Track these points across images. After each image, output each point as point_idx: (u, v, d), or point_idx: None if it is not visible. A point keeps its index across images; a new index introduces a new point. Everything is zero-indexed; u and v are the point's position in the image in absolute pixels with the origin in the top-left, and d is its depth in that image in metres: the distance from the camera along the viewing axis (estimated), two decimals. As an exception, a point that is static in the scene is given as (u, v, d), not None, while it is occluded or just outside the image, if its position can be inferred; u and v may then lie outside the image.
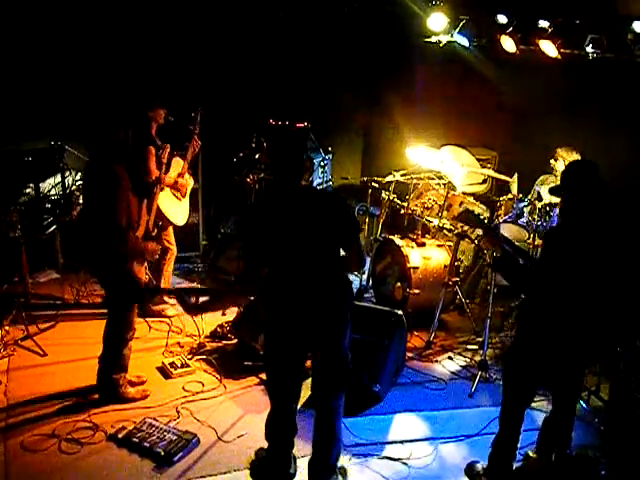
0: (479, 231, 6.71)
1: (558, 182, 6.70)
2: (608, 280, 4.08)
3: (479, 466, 4.67)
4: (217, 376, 5.88)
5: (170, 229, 6.91)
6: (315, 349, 4.34)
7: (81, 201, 7.64)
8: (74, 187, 8.16)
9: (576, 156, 6.68)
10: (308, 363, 4.46)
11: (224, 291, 4.62)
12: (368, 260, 7.75)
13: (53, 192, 8.10)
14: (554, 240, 4.23)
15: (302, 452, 4.71)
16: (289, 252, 4.12)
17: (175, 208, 6.84)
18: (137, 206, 5.10)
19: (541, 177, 7.18)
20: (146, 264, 5.51)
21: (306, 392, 4.68)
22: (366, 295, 7.73)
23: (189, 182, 6.99)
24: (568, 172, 4.34)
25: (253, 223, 4.26)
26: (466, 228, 6.79)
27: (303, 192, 4.23)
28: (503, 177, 7.11)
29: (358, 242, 4.28)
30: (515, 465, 4.55)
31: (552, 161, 6.91)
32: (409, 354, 6.50)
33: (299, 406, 4.95)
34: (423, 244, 7.24)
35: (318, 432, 4.43)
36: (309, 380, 4.50)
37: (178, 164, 6.79)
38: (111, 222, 4.90)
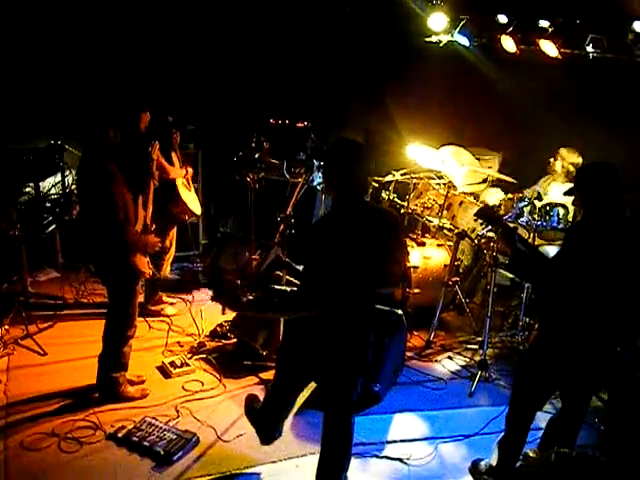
0: (479, 230, 6.71)
1: (556, 181, 6.78)
2: (628, 279, 4.07)
3: (483, 464, 4.67)
4: (217, 375, 5.88)
5: (173, 230, 6.94)
6: (323, 375, 4.25)
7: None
8: (74, 186, 8.16)
9: (577, 158, 6.68)
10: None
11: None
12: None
13: (53, 191, 8.09)
14: (576, 237, 4.19)
15: (302, 452, 4.72)
16: (325, 267, 3.99)
17: (191, 199, 6.95)
18: (132, 202, 5.09)
19: (542, 178, 7.18)
20: (148, 259, 5.50)
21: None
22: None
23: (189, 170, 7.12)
24: (588, 172, 4.31)
25: (318, 240, 4.10)
26: (472, 226, 6.79)
27: (367, 207, 4.07)
28: (504, 177, 7.11)
29: (399, 260, 4.10)
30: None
31: (551, 160, 6.91)
32: (409, 353, 6.51)
33: (298, 407, 4.99)
34: (423, 244, 7.24)
35: (327, 448, 4.28)
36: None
37: (175, 157, 6.86)
38: (109, 217, 4.90)
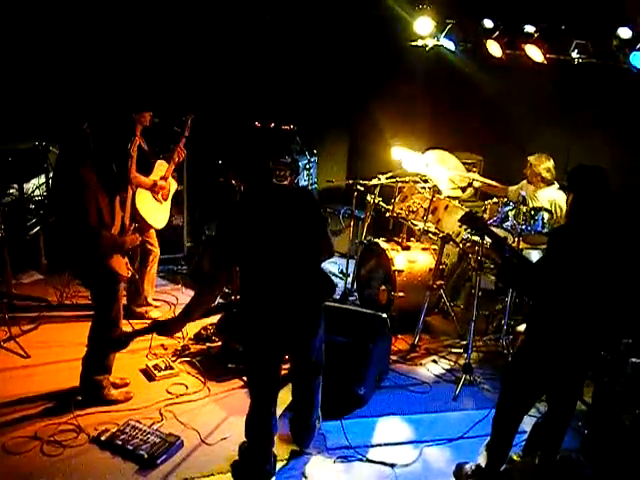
0: (464, 234, 6.71)
1: (540, 188, 6.78)
2: (614, 283, 4.08)
3: (467, 467, 4.67)
4: (201, 378, 5.85)
5: (152, 231, 6.88)
6: (290, 347, 4.43)
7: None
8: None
9: (547, 162, 6.69)
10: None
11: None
12: (352, 263, 7.77)
13: (37, 193, 8.05)
14: (560, 241, 4.19)
15: (286, 454, 4.72)
16: (265, 252, 4.14)
17: (154, 211, 6.79)
18: (108, 204, 5.06)
19: (522, 182, 7.17)
20: (127, 260, 5.46)
21: (288, 396, 4.79)
22: (351, 298, 7.72)
23: (172, 185, 7.00)
24: (577, 173, 4.32)
25: (231, 224, 4.25)
26: (457, 230, 6.79)
27: (275, 191, 4.39)
28: (488, 181, 7.13)
29: (326, 231, 4.44)
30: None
31: (525, 170, 6.92)
32: (393, 357, 6.49)
33: (283, 409, 4.99)
34: (408, 247, 7.24)
35: (295, 401, 4.72)
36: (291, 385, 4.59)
37: (162, 167, 6.79)
38: (82, 223, 4.88)
